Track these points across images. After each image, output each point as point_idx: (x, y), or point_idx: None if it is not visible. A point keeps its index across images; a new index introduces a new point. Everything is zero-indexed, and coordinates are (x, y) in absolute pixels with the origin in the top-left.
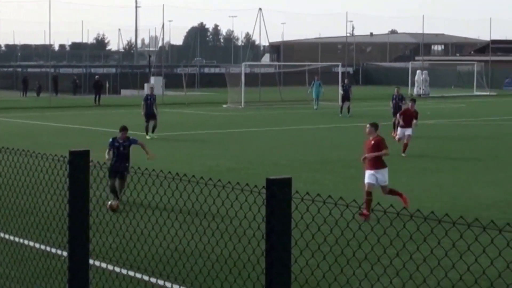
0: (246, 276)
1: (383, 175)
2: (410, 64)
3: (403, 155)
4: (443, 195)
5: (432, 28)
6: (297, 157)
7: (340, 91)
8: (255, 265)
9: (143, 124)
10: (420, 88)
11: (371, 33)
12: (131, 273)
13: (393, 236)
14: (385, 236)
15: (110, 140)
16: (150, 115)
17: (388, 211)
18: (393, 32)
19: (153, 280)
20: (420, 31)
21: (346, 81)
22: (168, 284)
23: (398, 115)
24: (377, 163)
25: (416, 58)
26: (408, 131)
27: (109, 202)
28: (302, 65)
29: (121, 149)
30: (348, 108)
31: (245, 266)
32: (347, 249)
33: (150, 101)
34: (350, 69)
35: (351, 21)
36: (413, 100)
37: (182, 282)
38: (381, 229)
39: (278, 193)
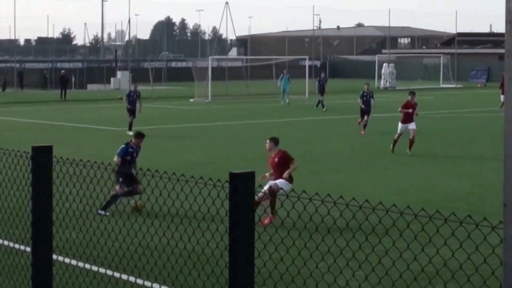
0: (210, 270)
1: (287, 188)
2: (376, 57)
3: (408, 152)
4: (410, 188)
5: (398, 21)
6: (264, 151)
7: (317, 85)
8: (219, 259)
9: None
10: (386, 81)
11: (338, 27)
12: (94, 268)
13: (356, 229)
14: (348, 229)
15: (124, 146)
16: (131, 111)
17: (350, 204)
18: (360, 25)
19: (116, 275)
20: (387, 24)
21: (322, 75)
22: (132, 279)
23: (400, 109)
24: (288, 180)
25: (383, 51)
26: (412, 125)
27: (134, 202)
28: (269, 58)
29: (134, 155)
30: (323, 102)
31: (208, 261)
32: (310, 242)
33: (132, 98)
34: (317, 63)
35: (318, 15)
36: (413, 93)
37: (146, 276)
38: (343, 223)
39: (241, 187)
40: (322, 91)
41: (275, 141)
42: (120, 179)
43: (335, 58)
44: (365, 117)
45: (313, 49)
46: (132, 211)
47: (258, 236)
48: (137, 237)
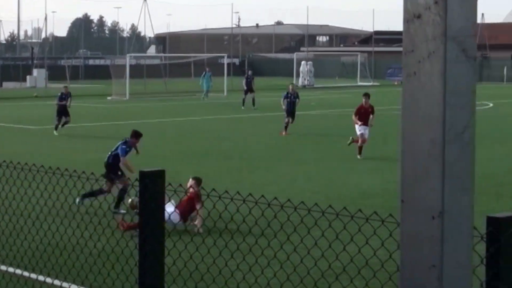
0: (120, 269)
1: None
2: (295, 55)
3: (359, 157)
4: (326, 185)
5: (317, 19)
6: (181, 149)
7: (244, 82)
8: (129, 258)
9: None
10: (305, 79)
11: (257, 25)
12: (3, 267)
13: (277, 228)
14: (269, 228)
15: (124, 146)
16: (62, 113)
17: (272, 203)
18: (279, 23)
19: (26, 274)
20: (306, 23)
21: (249, 72)
22: (41, 278)
23: (353, 115)
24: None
25: (301, 49)
26: (366, 130)
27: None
28: (188, 56)
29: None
30: (253, 100)
31: (118, 260)
32: (220, 240)
33: (63, 99)
34: (236, 60)
35: (237, 13)
36: (367, 95)
37: (55, 276)
38: (265, 222)
39: (151, 185)
40: (248, 88)
41: (199, 181)
42: (119, 173)
43: (254, 56)
44: (290, 119)
45: (231, 47)
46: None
47: (168, 235)
48: (47, 237)
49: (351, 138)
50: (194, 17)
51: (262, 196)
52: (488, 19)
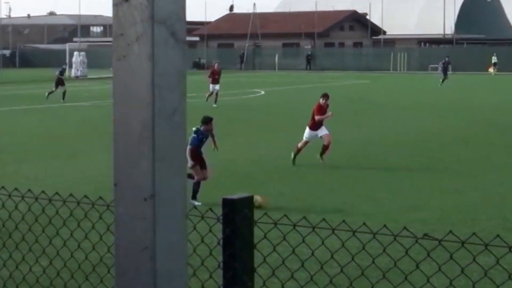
0: None
1: None
2: (67, 46)
3: (320, 159)
4: (95, 177)
5: (91, 9)
6: None
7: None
8: None
9: None
10: (77, 70)
11: (29, 15)
12: None
13: (46, 223)
14: (37, 223)
15: (195, 135)
16: None
17: (40, 197)
18: (51, 13)
19: None
20: (78, 13)
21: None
22: None
23: (318, 115)
24: None
25: (74, 39)
26: (324, 130)
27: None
28: None
29: (204, 140)
30: (64, 93)
31: None
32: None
33: None
34: (7, 52)
35: (8, 3)
36: (326, 96)
37: None
38: (33, 217)
39: None
40: (62, 82)
41: None
42: (193, 163)
43: (26, 47)
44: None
45: (1, 38)
46: None
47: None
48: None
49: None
50: None
51: (29, 190)
52: (260, 9)
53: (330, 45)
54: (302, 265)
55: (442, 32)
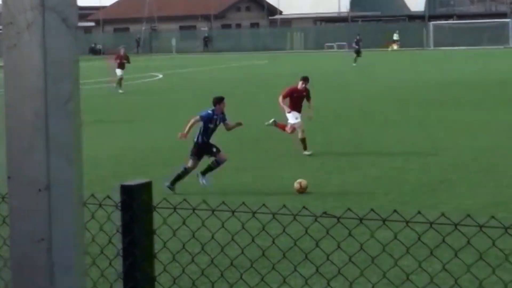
0: None
1: None
2: None
3: (306, 152)
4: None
5: None
6: None
7: None
8: None
9: None
10: None
11: None
12: None
13: None
14: None
15: (210, 111)
16: None
17: None
18: None
19: None
20: None
21: None
22: None
23: (281, 98)
24: None
25: None
26: (299, 118)
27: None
28: None
29: (217, 123)
30: None
31: None
32: None
33: None
34: None
35: None
36: (305, 79)
37: None
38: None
39: None
40: None
41: None
42: (214, 150)
43: None
44: None
45: None
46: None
47: None
48: None
49: (273, 120)
50: None
51: None
52: None
53: (227, 26)
54: (202, 249)
55: (337, 11)
